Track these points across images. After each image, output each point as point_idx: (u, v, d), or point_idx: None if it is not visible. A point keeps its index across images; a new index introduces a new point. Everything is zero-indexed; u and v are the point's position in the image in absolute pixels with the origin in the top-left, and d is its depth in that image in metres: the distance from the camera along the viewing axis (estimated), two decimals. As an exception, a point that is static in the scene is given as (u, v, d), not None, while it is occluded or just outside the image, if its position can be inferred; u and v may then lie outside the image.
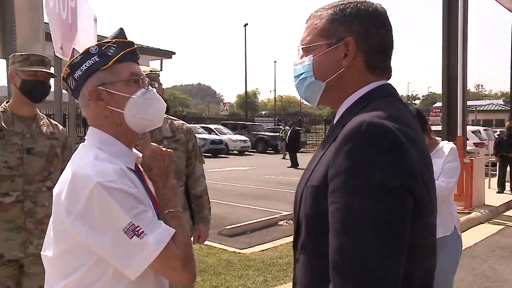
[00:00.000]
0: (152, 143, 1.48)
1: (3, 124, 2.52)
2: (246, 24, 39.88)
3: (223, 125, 28.54)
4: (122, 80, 1.37)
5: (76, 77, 1.38)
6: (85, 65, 1.36)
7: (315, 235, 1.15)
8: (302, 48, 1.29)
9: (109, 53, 1.37)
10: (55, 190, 1.31)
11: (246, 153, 25.13)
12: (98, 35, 7.23)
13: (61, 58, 3.96)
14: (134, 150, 1.50)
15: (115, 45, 1.38)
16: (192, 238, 3.08)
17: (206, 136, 23.30)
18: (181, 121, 3.06)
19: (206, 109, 78.39)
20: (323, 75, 1.24)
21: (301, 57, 1.29)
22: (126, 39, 1.43)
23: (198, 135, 22.23)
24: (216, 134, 24.53)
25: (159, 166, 1.43)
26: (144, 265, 1.22)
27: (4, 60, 3.71)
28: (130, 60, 1.41)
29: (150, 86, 1.44)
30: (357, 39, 1.20)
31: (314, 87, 1.27)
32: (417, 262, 1.10)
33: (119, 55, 1.37)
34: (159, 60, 24.59)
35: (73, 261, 1.26)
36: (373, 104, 1.17)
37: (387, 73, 1.27)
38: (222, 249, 6.17)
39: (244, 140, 24.86)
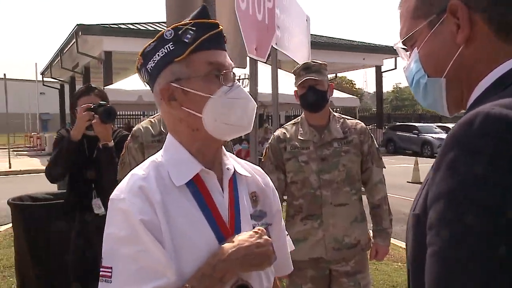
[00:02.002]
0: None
1: (162, 129, 2.61)
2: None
3: (465, 124, 25.92)
4: (200, 75, 1.12)
5: (149, 69, 1.15)
6: (158, 55, 1.13)
7: (420, 283, 0.77)
8: (404, 45, 0.95)
9: (185, 39, 1.11)
10: None
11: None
12: (312, 34, 7.33)
13: (255, 60, 4.01)
14: (224, 151, 1.24)
15: (194, 28, 1.12)
16: (369, 255, 2.69)
17: (443, 135, 21.46)
18: (355, 120, 2.70)
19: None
20: (438, 68, 0.88)
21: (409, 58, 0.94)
22: (209, 19, 1.15)
23: (434, 135, 20.71)
24: (456, 134, 22.40)
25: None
26: None
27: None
28: (213, 48, 1.13)
29: (236, 81, 1.16)
30: None
31: (432, 89, 0.91)
32: None
33: (197, 42, 1.11)
34: (393, 58, 23.88)
35: None
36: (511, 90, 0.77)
37: None
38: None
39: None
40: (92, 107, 2.78)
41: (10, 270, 4.87)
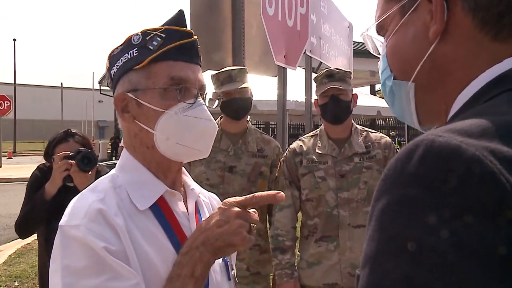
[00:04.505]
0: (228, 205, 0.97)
1: None
2: None
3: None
4: (158, 88, 0.99)
5: (112, 74, 1.06)
6: (122, 60, 1.03)
7: None
8: (379, 34, 0.74)
9: (150, 47, 1.00)
10: None
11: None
12: (355, 42, 7.08)
13: (284, 67, 3.83)
14: (185, 174, 1.13)
15: (163, 35, 1.00)
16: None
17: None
18: (380, 134, 2.45)
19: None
20: (405, 69, 0.67)
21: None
22: (183, 26, 1.03)
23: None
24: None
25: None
26: None
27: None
28: (181, 59, 1.01)
29: (200, 98, 1.03)
30: None
31: (398, 95, 0.70)
32: None
33: (160, 51, 0.99)
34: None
35: None
36: (486, 107, 0.55)
37: None
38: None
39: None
40: (70, 154, 2.36)
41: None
